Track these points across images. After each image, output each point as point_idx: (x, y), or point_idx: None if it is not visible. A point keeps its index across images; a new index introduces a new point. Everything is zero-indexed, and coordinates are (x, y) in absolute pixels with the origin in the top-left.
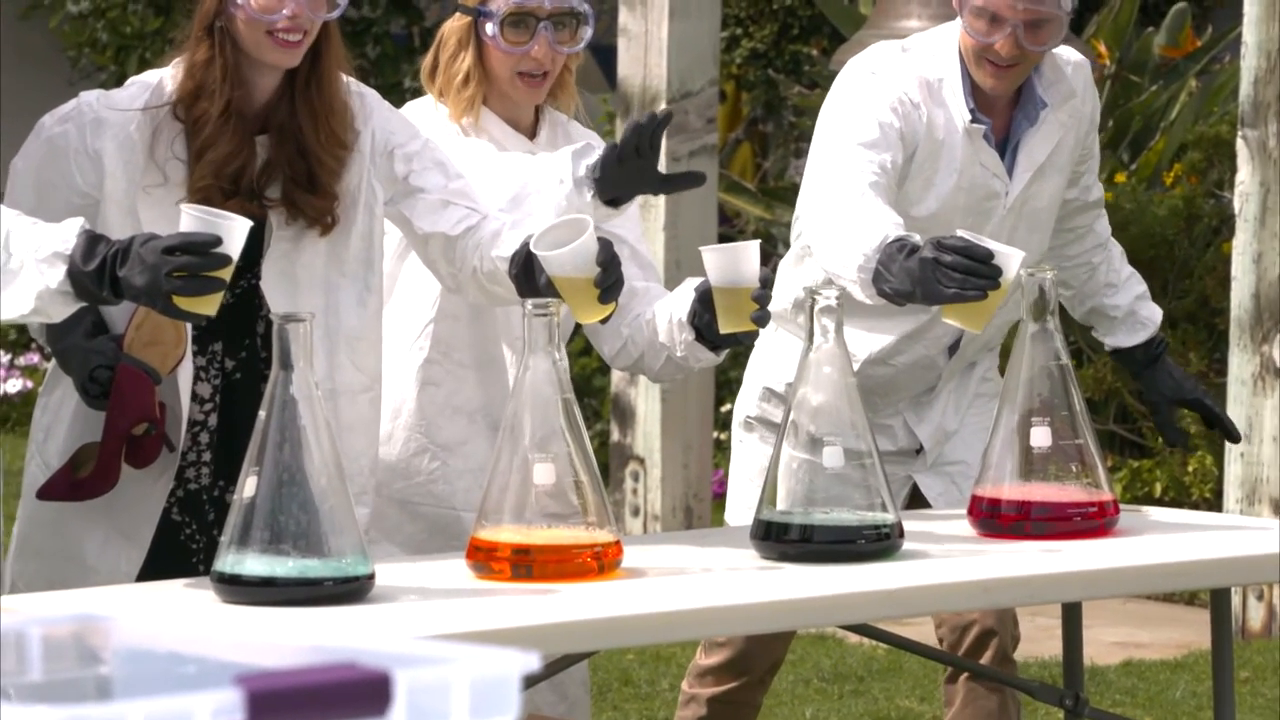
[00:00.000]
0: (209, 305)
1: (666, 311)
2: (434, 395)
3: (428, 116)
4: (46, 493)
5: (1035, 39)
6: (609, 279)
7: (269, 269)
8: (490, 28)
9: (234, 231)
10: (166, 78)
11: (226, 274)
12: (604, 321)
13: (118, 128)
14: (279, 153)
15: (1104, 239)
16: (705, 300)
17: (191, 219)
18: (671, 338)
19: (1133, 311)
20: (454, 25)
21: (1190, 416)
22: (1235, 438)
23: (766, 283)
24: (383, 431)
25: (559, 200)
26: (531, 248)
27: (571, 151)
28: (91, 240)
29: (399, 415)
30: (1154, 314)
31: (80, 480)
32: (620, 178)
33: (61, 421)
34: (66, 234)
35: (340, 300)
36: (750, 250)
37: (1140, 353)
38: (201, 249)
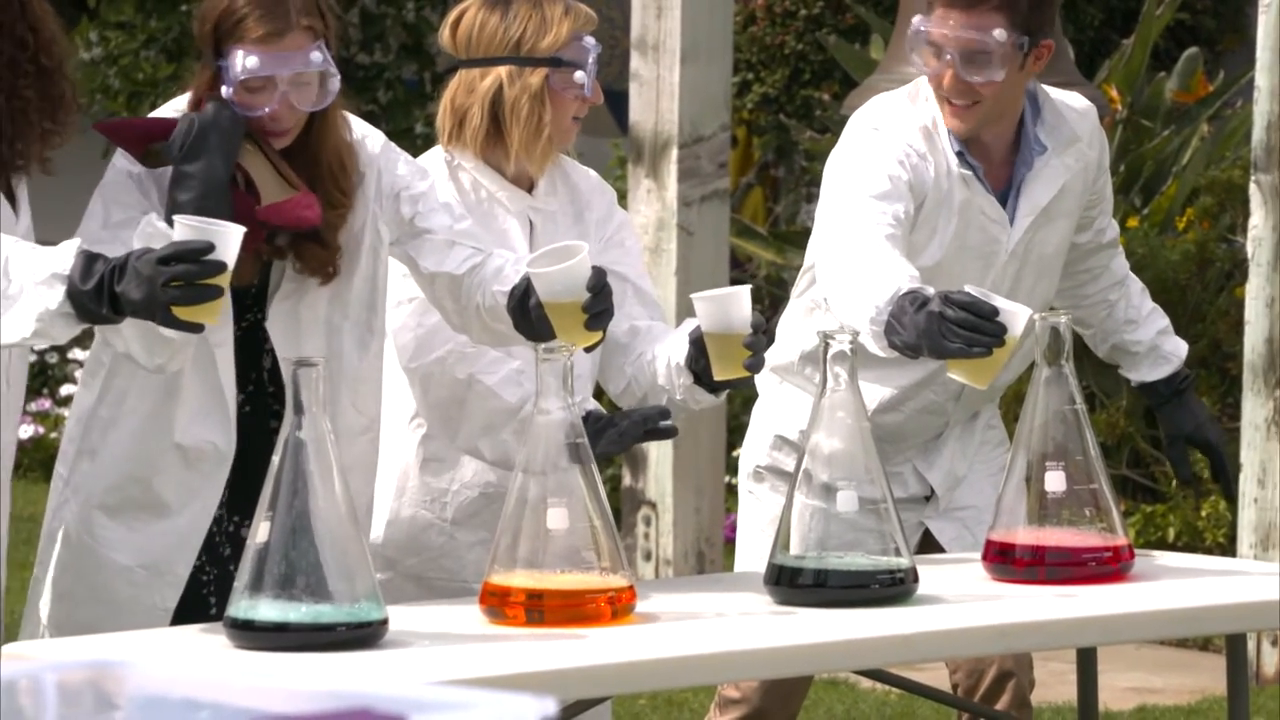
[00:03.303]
0: (209, 314)
1: (665, 355)
2: (436, 471)
3: (436, 168)
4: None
5: (972, 71)
6: (598, 305)
7: (274, 310)
8: (579, 76)
9: (228, 238)
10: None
11: (224, 281)
12: (590, 349)
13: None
14: None
15: (1121, 277)
16: (701, 345)
17: (185, 228)
18: (670, 381)
19: (1156, 346)
20: (525, 83)
21: (1202, 461)
22: (1230, 497)
23: (758, 328)
24: (389, 508)
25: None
26: (526, 267)
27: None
28: (89, 259)
29: (403, 493)
30: (1178, 348)
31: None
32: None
33: (116, 430)
34: (64, 255)
35: (343, 343)
36: (741, 297)
37: (1164, 386)
38: (195, 256)
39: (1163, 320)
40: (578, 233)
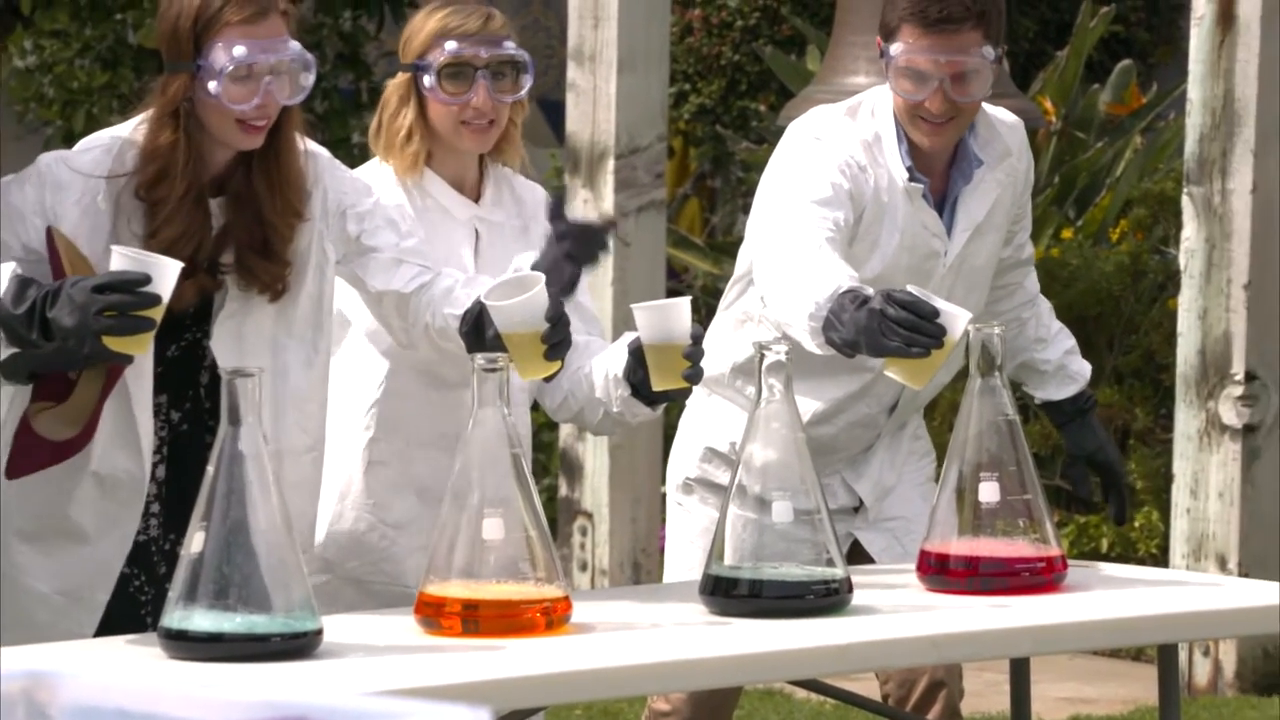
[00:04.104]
0: (139, 345)
1: (603, 367)
2: (380, 474)
3: (376, 178)
4: (22, 468)
5: (962, 91)
6: (556, 335)
7: (218, 329)
8: (428, 80)
9: (164, 270)
10: (126, 142)
11: (157, 314)
12: (548, 380)
13: (80, 193)
14: (235, 220)
15: (1033, 295)
16: (639, 356)
17: (122, 259)
18: (608, 393)
19: (1063, 365)
20: (395, 83)
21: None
22: (1120, 520)
23: (698, 339)
24: (331, 511)
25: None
26: (483, 299)
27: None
28: (22, 284)
29: (346, 495)
30: (1083, 368)
31: (70, 440)
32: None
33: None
34: None
35: (288, 361)
36: (681, 308)
37: (1069, 405)
38: (130, 287)
39: (1069, 340)
40: (523, 245)
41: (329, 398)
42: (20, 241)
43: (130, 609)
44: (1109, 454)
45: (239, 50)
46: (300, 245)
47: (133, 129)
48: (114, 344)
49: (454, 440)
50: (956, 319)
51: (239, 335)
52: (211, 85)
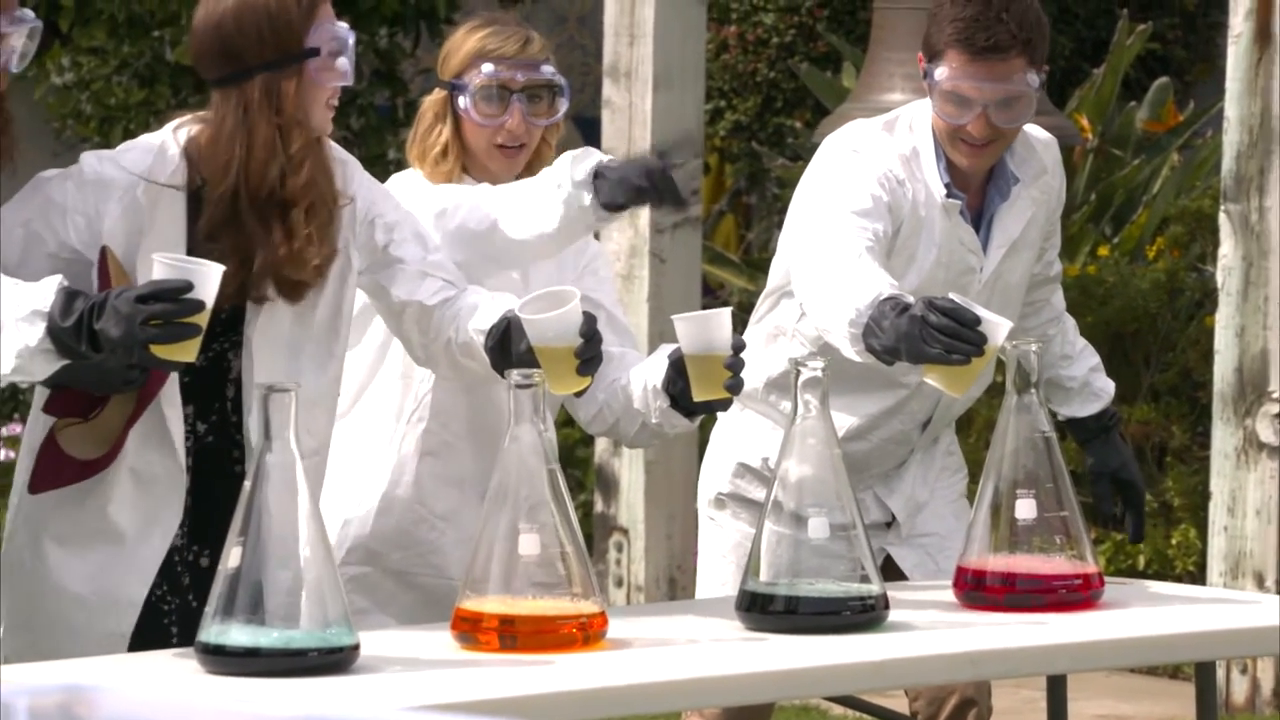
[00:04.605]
0: (187, 351)
1: (641, 378)
2: (432, 466)
3: (412, 188)
4: (47, 484)
5: (1006, 117)
6: (590, 351)
7: (251, 332)
8: (464, 101)
9: (207, 277)
10: (169, 141)
11: (203, 320)
12: (579, 394)
13: (123, 190)
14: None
15: (1059, 311)
16: (679, 367)
17: (163, 267)
18: (646, 404)
19: (1088, 383)
20: (431, 99)
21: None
22: (1137, 538)
23: (739, 349)
24: (379, 502)
25: (557, 205)
26: (517, 312)
27: (570, 156)
28: (69, 296)
29: (398, 485)
30: (1108, 386)
31: (96, 460)
32: (618, 187)
33: None
34: (45, 291)
35: (302, 365)
36: (722, 318)
37: (1093, 422)
38: (174, 295)
39: (1094, 358)
40: (555, 262)
41: (379, 387)
42: (58, 238)
43: (154, 620)
44: (1131, 471)
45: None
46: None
47: (173, 130)
48: (161, 352)
49: (494, 435)
50: (998, 327)
51: (263, 336)
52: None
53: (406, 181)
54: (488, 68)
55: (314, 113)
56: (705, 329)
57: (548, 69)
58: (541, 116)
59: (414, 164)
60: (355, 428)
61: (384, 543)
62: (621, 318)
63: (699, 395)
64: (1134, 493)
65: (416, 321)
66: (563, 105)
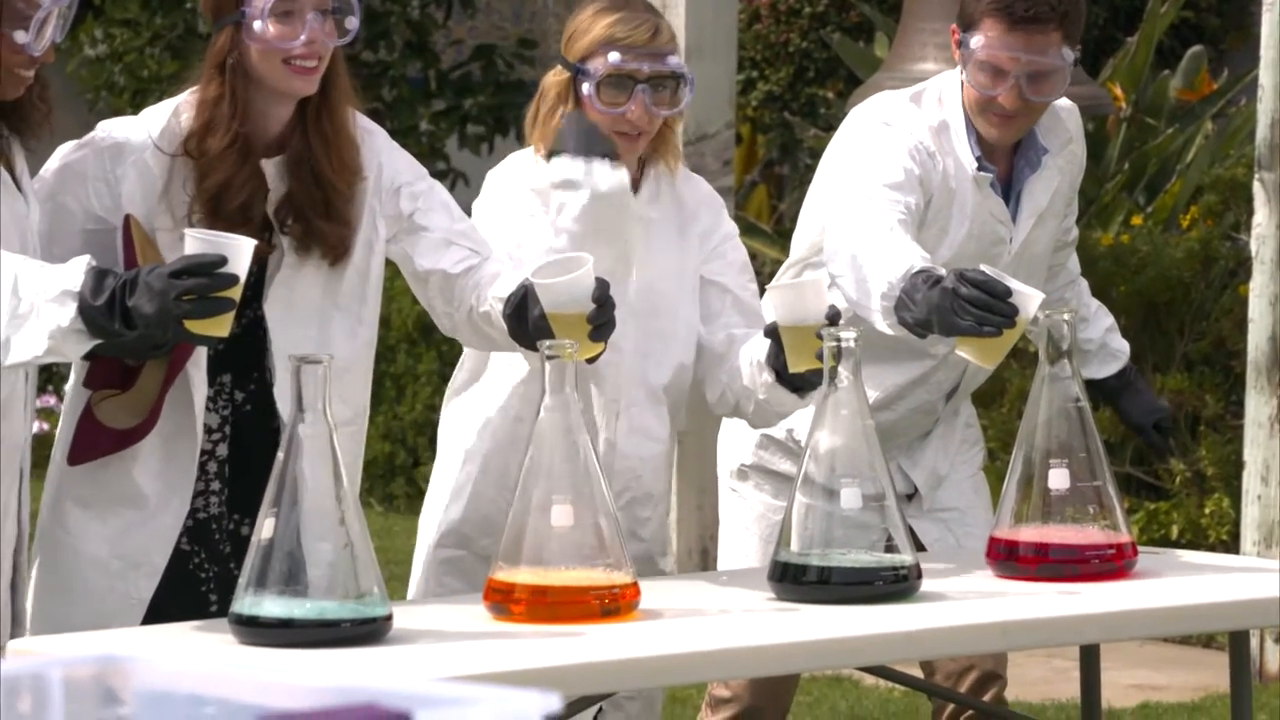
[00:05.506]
0: (221, 326)
1: (749, 355)
2: (518, 456)
3: (525, 168)
4: (85, 456)
5: (1038, 90)
6: (602, 316)
7: (270, 296)
8: (587, 87)
9: (239, 250)
10: (182, 105)
11: (235, 294)
12: (590, 361)
13: (137, 154)
14: (295, 184)
15: (1074, 275)
16: (779, 339)
17: (195, 242)
18: (754, 380)
19: (1105, 344)
20: (554, 79)
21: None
22: (1164, 452)
23: (834, 319)
24: (471, 488)
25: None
26: (530, 278)
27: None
28: (99, 275)
29: (487, 472)
30: (1124, 346)
31: (133, 429)
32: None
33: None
34: (74, 272)
35: (332, 331)
36: (816, 287)
37: (1114, 380)
38: (207, 270)
39: (1108, 318)
40: (679, 246)
41: (492, 373)
42: (82, 206)
43: (193, 588)
44: (1162, 412)
45: None
46: (353, 218)
47: (187, 95)
48: (196, 327)
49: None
50: (1029, 299)
51: (289, 304)
52: (256, 25)
53: (523, 165)
54: (614, 56)
55: (264, 72)
56: (799, 298)
57: (674, 60)
58: (664, 106)
59: (536, 145)
60: (466, 412)
61: (475, 528)
62: (749, 300)
63: (794, 366)
64: (1162, 429)
65: (440, 290)
66: (686, 96)
